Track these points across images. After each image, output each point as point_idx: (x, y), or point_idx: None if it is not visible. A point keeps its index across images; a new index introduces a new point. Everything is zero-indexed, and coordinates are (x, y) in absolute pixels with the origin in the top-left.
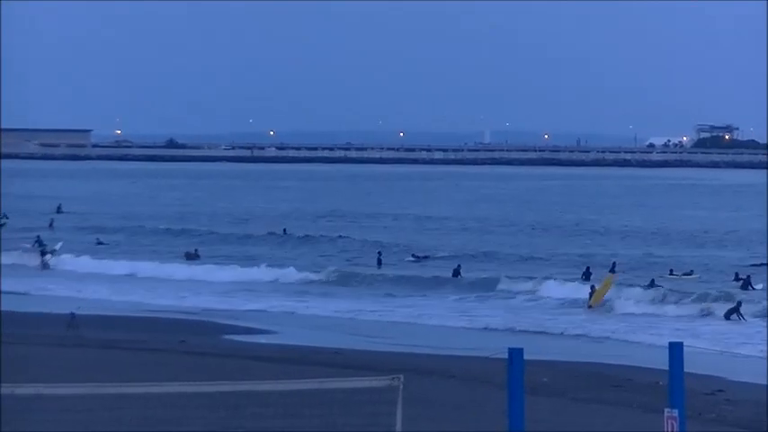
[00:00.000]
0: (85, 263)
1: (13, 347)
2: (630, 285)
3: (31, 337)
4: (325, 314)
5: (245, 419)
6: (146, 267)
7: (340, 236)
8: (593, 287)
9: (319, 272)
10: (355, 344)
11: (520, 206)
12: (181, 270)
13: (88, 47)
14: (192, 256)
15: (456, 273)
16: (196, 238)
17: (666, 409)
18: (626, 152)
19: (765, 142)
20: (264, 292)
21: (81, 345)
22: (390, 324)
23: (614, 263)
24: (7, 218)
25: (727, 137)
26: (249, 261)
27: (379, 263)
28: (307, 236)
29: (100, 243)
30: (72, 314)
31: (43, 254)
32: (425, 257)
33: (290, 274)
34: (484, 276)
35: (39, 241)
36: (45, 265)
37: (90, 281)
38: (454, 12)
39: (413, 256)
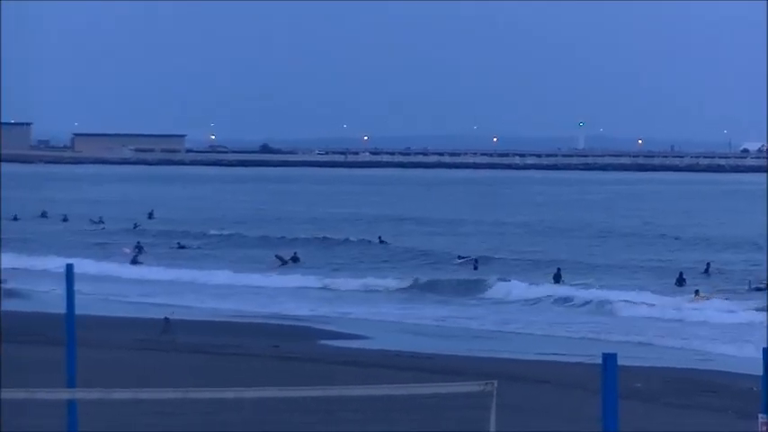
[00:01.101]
0: (172, 268)
1: (109, 352)
2: (727, 291)
3: (125, 342)
4: (417, 320)
5: (338, 424)
6: (238, 274)
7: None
8: (697, 291)
9: (412, 278)
10: (448, 349)
11: (608, 211)
12: (271, 276)
13: (183, 52)
14: (285, 261)
15: (557, 278)
16: (289, 244)
17: (760, 415)
18: (720, 157)
19: None
20: (357, 298)
21: (175, 349)
22: (483, 330)
23: (708, 264)
24: (103, 223)
25: None
26: (343, 267)
27: (476, 268)
28: (398, 245)
29: (182, 247)
30: (166, 319)
31: (136, 256)
32: (474, 259)
33: (384, 281)
34: (579, 283)
35: (139, 247)
36: (134, 262)
37: (181, 286)
38: (549, 16)
39: (459, 257)
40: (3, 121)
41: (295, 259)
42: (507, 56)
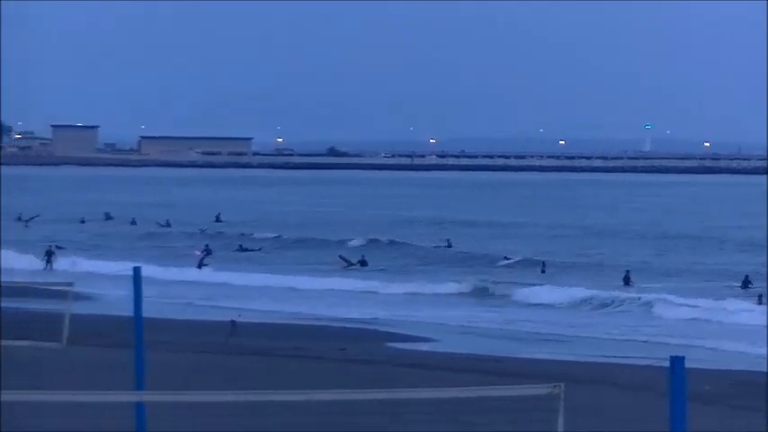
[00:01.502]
0: (238, 271)
1: (176, 355)
2: None
3: (192, 345)
4: (483, 322)
5: (406, 426)
6: (303, 277)
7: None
8: (760, 296)
9: (478, 281)
10: (515, 352)
11: (672, 214)
12: (337, 279)
13: (253, 54)
14: (351, 263)
15: (627, 280)
16: (357, 247)
17: None
18: None
19: None
20: (423, 301)
21: (241, 352)
22: (551, 333)
23: None
24: (170, 225)
25: None
26: (410, 270)
27: (543, 270)
28: (465, 248)
29: (244, 249)
30: (233, 321)
31: (203, 259)
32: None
33: (450, 284)
34: (646, 286)
35: (207, 250)
36: (201, 265)
37: (247, 290)
38: (624, 18)
39: (505, 258)
40: (70, 124)
41: (363, 263)
42: (577, 59)
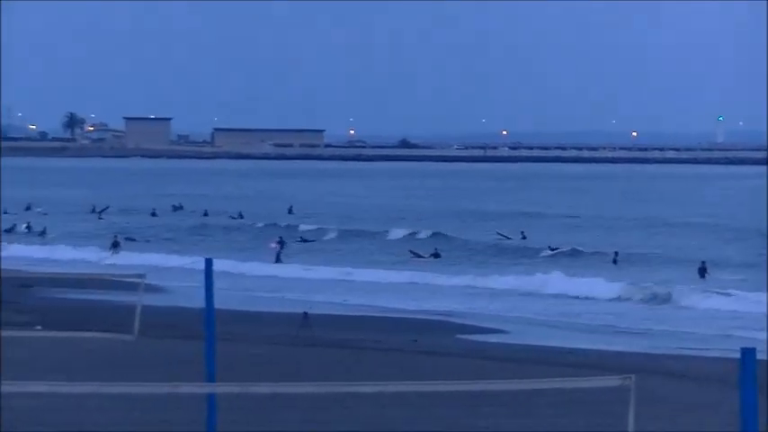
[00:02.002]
0: (310, 264)
1: (247, 347)
2: None
3: (264, 337)
4: (554, 315)
5: (479, 418)
6: (374, 269)
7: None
8: None
9: (552, 273)
10: (587, 343)
11: (743, 207)
12: (407, 272)
13: (322, 48)
14: (421, 256)
15: (702, 272)
16: (429, 240)
17: None
18: None
19: None
20: (495, 293)
21: (313, 344)
22: (623, 325)
23: None
24: (243, 217)
25: None
26: (483, 262)
27: (615, 261)
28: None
29: (305, 241)
30: (305, 313)
31: (279, 252)
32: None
33: (522, 276)
34: (723, 279)
35: (281, 242)
36: (278, 260)
37: (318, 282)
38: (692, 13)
39: (549, 248)
40: (144, 116)
41: (436, 255)
42: (649, 52)
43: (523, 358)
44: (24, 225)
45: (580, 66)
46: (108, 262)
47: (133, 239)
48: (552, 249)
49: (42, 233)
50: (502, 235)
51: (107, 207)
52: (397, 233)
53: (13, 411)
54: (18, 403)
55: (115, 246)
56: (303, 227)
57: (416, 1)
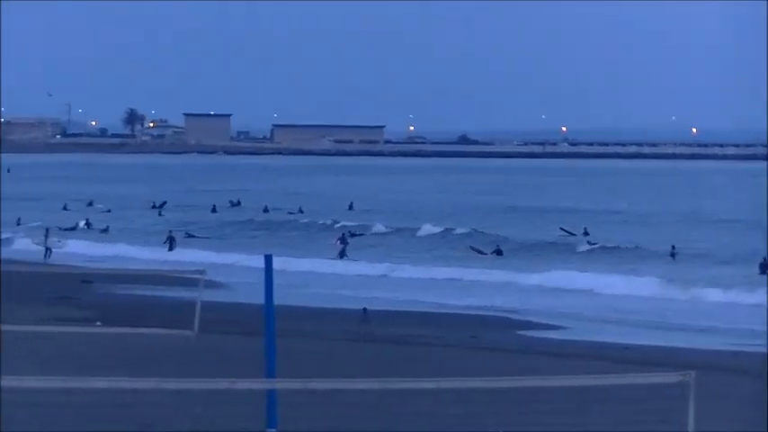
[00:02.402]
0: (369, 260)
1: (307, 342)
2: None
3: (324, 333)
4: (614, 311)
5: (537, 414)
6: (432, 266)
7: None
8: None
9: (613, 270)
10: (646, 339)
11: None
12: (467, 269)
13: (379, 44)
14: (481, 252)
15: (763, 268)
16: (491, 237)
17: None
18: None
19: None
20: (554, 290)
21: (372, 340)
22: (682, 321)
23: None
24: (302, 212)
25: None
26: (542, 258)
27: (673, 255)
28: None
29: (353, 235)
30: (364, 309)
31: (343, 250)
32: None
33: (582, 273)
34: None
35: (344, 239)
36: (343, 255)
37: (376, 278)
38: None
39: (589, 243)
40: (204, 112)
41: (498, 252)
42: (710, 49)
43: (581, 354)
44: (84, 222)
45: (641, 62)
46: (165, 258)
47: (192, 235)
48: (591, 244)
49: (105, 230)
50: (566, 231)
51: (165, 203)
52: (459, 230)
53: (74, 407)
54: (79, 399)
55: (170, 241)
56: (361, 223)
57: (477, 1)
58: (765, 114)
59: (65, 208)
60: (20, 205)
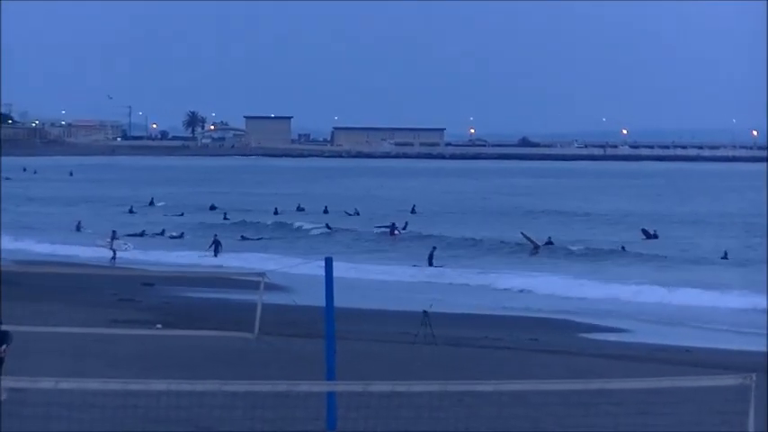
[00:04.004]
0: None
1: (367, 344)
2: None
3: (384, 335)
4: (677, 312)
5: (598, 417)
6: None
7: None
8: None
9: (675, 272)
10: (706, 341)
11: None
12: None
13: (442, 47)
14: (537, 245)
15: None
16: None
17: None
18: None
19: None
20: (618, 291)
21: (433, 342)
22: (745, 324)
23: None
24: (358, 213)
25: None
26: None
27: (725, 257)
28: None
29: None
30: (424, 312)
31: (431, 254)
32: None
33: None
34: None
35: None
36: (431, 263)
37: (437, 280)
38: None
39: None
40: (264, 115)
41: (549, 242)
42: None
43: (643, 357)
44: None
45: (699, 64)
46: (215, 262)
47: (247, 238)
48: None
49: (180, 236)
50: (647, 233)
51: (213, 207)
52: (513, 236)
53: (138, 409)
54: (142, 401)
55: (215, 245)
56: (426, 223)
57: (538, 1)
58: None
59: (131, 210)
60: (82, 208)
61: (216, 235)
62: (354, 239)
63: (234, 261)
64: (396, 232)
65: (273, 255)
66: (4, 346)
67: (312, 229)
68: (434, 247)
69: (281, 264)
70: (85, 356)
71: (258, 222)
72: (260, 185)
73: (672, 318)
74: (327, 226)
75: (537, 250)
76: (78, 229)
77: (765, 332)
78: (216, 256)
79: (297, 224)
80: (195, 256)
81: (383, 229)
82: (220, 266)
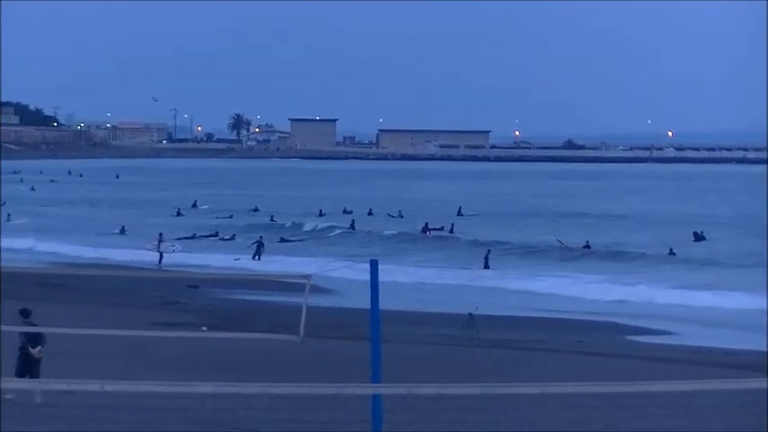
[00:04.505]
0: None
1: (413, 347)
2: None
3: (429, 337)
4: (724, 315)
5: (642, 419)
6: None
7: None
8: None
9: (726, 275)
10: (752, 344)
11: None
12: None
13: (487, 48)
14: (571, 249)
15: None
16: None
17: None
18: None
19: None
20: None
21: (478, 345)
22: None
23: None
24: (402, 216)
25: None
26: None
27: None
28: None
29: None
30: (470, 314)
31: (487, 257)
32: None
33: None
34: None
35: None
36: (486, 265)
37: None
38: None
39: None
40: (309, 117)
41: (587, 246)
42: None
43: (688, 359)
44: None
45: (747, 63)
46: (257, 264)
47: (289, 240)
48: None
49: (232, 238)
50: (696, 235)
51: (257, 209)
52: (548, 240)
53: (183, 411)
54: (188, 404)
55: (258, 247)
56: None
57: (585, 1)
58: None
59: (178, 213)
60: (129, 211)
61: (261, 237)
62: (399, 242)
63: (275, 264)
64: (428, 233)
65: (317, 257)
66: (38, 348)
67: (353, 232)
68: (489, 250)
69: (325, 266)
70: (131, 359)
71: (302, 224)
72: (304, 188)
73: (717, 320)
74: (351, 226)
75: (583, 250)
76: (123, 232)
77: None
78: (258, 258)
79: (337, 227)
80: (241, 259)
81: (434, 232)
82: (262, 269)
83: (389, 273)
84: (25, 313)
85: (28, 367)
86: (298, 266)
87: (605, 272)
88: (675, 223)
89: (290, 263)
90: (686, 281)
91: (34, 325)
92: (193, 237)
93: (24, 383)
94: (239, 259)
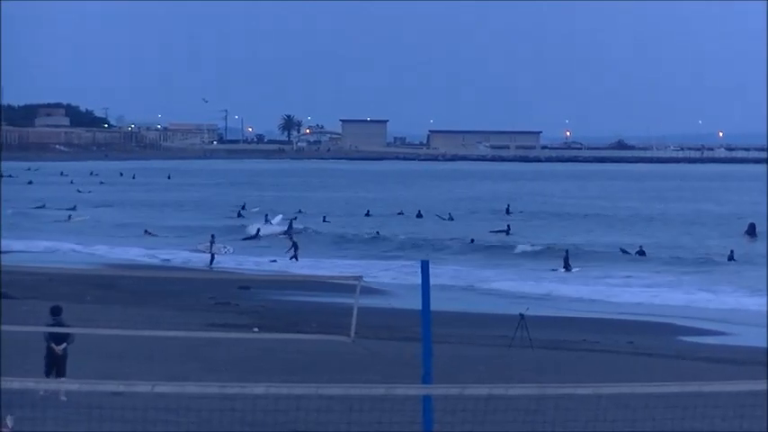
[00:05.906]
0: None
1: (464, 348)
2: None
3: (481, 338)
4: None
5: (695, 420)
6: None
7: None
8: None
9: None
10: None
11: None
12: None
13: (538, 49)
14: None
15: None
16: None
17: None
18: None
19: None
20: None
21: (529, 345)
22: None
23: None
24: (452, 219)
25: None
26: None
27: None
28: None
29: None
30: (521, 315)
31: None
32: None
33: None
34: None
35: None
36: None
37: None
38: None
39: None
40: (360, 118)
41: (641, 253)
42: None
43: (742, 360)
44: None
45: None
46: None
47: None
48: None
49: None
50: (751, 233)
51: (297, 214)
52: (605, 240)
53: (235, 412)
54: (239, 405)
55: (294, 249)
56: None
57: (632, 1)
58: None
59: (239, 215)
60: (186, 214)
61: (294, 239)
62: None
63: (326, 266)
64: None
65: (367, 259)
66: (64, 345)
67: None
68: (567, 251)
69: (375, 267)
70: (183, 360)
71: (353, 225)
72: (353, 188)
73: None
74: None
75: (635, 256)
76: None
77: None
78: (296, 259)
79: (393, 229)
80: (283, 261)
81: (496, 233)
82: (309, 270)
83: (441, 275)
84: (55, 311)
85: (54, 364)
86: (349, 268)
87: (661, 274)
88: (730, 224)
89: (339, 265)
90: (742, 282)
91: (63, 323)
92: (257, 235)
93: (66, 383)
94: (275, 261)
